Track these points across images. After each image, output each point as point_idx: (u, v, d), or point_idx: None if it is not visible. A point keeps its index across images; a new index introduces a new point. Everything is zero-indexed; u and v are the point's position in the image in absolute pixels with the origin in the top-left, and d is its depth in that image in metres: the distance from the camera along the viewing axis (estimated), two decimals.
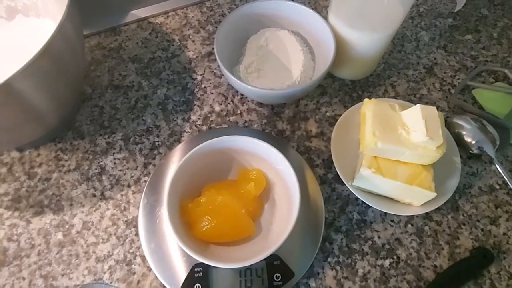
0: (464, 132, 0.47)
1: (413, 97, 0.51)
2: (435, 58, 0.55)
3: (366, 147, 0.40)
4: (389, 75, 0.53)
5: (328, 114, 0.50)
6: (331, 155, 0.45)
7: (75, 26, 0.40)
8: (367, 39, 0.45)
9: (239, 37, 0.50)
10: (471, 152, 0.46)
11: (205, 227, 0.36)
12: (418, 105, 0.39)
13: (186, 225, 0.37)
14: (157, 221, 0.41)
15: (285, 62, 0.48)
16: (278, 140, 0.47)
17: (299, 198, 0.35)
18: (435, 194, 0.39)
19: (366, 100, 0.43)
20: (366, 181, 0.41)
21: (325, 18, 0.48)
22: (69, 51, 0.39)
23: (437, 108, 0.50)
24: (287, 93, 0.43)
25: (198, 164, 0.38)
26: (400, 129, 0.39)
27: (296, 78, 0.46)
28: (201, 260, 0.32)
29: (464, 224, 0.43)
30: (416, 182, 0.39)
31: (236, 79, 0.43)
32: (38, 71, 0.34)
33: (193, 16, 0.59)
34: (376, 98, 0.50)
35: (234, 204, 0.37)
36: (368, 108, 0.41)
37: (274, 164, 0.39)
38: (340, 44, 0.46)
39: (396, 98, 0.51)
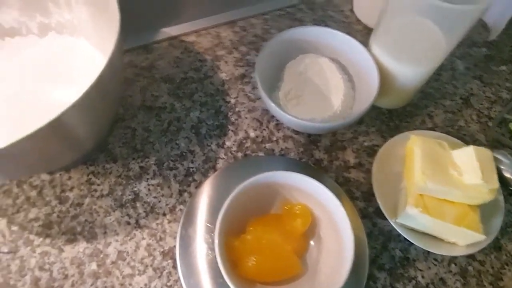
0: (503, 167, 0.47)
1: (451, 129, 0.51)
2: (471, 89, 0.55)
3: (414, 185, 0.39)
4: (426, 104, 0.53)
5: (365, 144, 0.49)
6: (370, 188, 0.44)
7: (120, 53, 0.39)
8: (410, 71, 0.45)
9: (277, 62, 0.49)
10: (511, 188, 0.46)
11: (251, 266, 0.35)
12: (471, 146, 0.38)
13: (231, 262, 0.35)
14: (197, 255, 0.39)
15: (325, 90, 0.47)
16: (316, 170, 0.46)
17: (353, 241, 0.34)
18: (484, 236, 0.38)
19: (413, 136, 0.42)
20: (411, 219, 0.40)
21: (365, 45, 0.47)
22: (113, 78, 0.38)
23: (475, 142, 0.50)
24: (329, 126, 0.43)
25: (243, 199, 0.37)
26: (451, 169, 0.38)
27: (337, 107, 0.45)
28: None
29: (507, 265, 0.42)
30: (464, 224, 0.38)
31: (278, 108, 0.42)
32: (86, 103, 0.33)
33: (225, 36, 0.58)
34: (414, 128, 0.50)
35: (280, 242, 0.36)
36: (417, 145, 0.40)
37: (322, 200, 0.38)
38: (381, 74, 0.45)
39: (434, 129, 0.50)
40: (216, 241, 0.33)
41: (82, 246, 0.41)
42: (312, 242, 0.39)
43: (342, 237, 0.35)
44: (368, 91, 0.45)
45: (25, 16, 0.45)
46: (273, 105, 0.42)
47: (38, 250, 0.41)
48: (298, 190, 0.39)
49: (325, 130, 0.45)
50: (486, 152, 0.38)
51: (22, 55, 0.46)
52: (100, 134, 0.44)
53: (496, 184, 0.36)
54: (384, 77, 0.46)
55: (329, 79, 0.48)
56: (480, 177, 0.36)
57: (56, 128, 0.30)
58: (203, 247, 0.40)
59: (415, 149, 0.40)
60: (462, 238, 0.40)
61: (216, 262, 0.33)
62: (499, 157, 0.47)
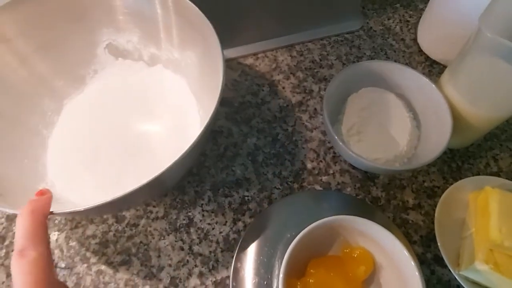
0: None
1: None
2: None
3: (488, 241, 0.37)
4: (491, 146, 0.50)
5: (425, 184, 0.47)
6: (429, 232, 0.43)
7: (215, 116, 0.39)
8: (485, 116, 0.43)
9: (340, 95, 0.48)
10: None
11: None
12: None
13: None
14: None
15: (389, 127, 0.46)
16: (373, 209, 0.45)
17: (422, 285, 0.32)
18: None
19: (488, 187, 0.40)
20: (478, 274, 0.38)
21: (430, 79, 0.45)
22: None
23: None
24: (393, 169, 0.41)
25: (305, 240, 0.36)
26: None
27: (402, 148, 0.44)
28: None
29: None
30: None
31: (343, 145, 0.41)
32: (181, 161, 0.32)
33: (283, 60, 0.58)
34: (477, 171, 0.48)
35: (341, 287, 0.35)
36: (493, 198, 0.38)
37: (385, 246, 0.36)
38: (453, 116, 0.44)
39: (499, 174, 0.48)
40: (280, 285, 0.32)
41: (136, 268, 0.42)
42: None
43: (407, 285, 0.34)
44: (437, 134, 0.43)
45: (141, 44, 0.49)
46: (339, 143, 0.41)
47: (94, 268, 0.42)
48: (360, 233, 0.38)
49: (390, 172, 0.44)
50: None
51: (129, 76, 0.50)
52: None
53: None
54: (455, 118, 0.44)
55: (394, 116, 0.46)
56: None
57: (151, 185, 0.30)
58: (256, 281, 0.40)
59: (491, 203, 0.38)
60: None
61: None
62: None
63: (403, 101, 0.47)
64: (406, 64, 0.57)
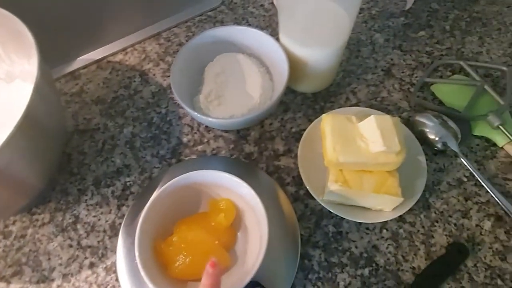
0: (427, 130, 0.48)
1: (374, 101, 0.52)
2: (391, 59, 0.56)
3: (329, 162, 0.41)
4: (349, 82, 0.54)
5: (293, 130, 0.51)
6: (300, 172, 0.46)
7: (47, 84, 0.40)
8: (319, 54, 0.46)
9: (197, 66, 0.51)
10: (436, 148, 0.47)
11: (180, 266, 0.36)
12: (372, 116, 0.40)
13: (161, 265, 0.37)
14: (136, 266, 0.41)
15: (244, 86, 0.49)
16: (247, 164, 0.48)
17: (267, 222, 0.35)
18: (402, 199, 0.39)
19: (324, 115, 0.44)
20: (336, 194, 0.41)
21: (277, 39, 0.49)
22: (47, 110, 0.39)
23: (399, 110, 0.51)
24: (247, 119, 0.44)
25: (166, 203, 0.39)
26: (359, 141, 0.40)
27: (256, 101, 0.47)
28: None
29: (437, 222, 0.44)
30: (383, 190, 0.40)
31: (196, 113, 0.44)
32: (17, 141, 0.34)
33: (151, 49, 0.60)
34: (339, 107, 0.52)
35: (206, 238, 0.38)
36: (326, 123, 0.42)
37: (240, 192, 0.39)
38: (295, 62, 0.47)
39: (358, 105, 0.52)
40: (136, 245, 0.34)
41: (28, 276, 0.43)
42: (239, 234, 0.41)
43: (261, 223, 0.37)
44: (283, 80, 0.46)
45: None
46: (191, 111, 0.44)
47: None
48: (220, 187, 0.41)
49: (245, 123, 0.46)
50: (386, 119, 0.40)
51: None
52: (50, 171, 0.45)
53: (397, 147, 0.38)
54: (298, 63, 0.47)
55: (246, 74, 0.49)
56: (382, 144, 0.37)
57: None
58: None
59: (326, 128, 0.42)
60: (386, 204, 0.41)
61: None
62: (423, 120, 0.49)
63: (253, 59, 0.50)
64: (267, 26, 0.61)
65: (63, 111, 0.53)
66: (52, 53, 0.55)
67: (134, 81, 0.56)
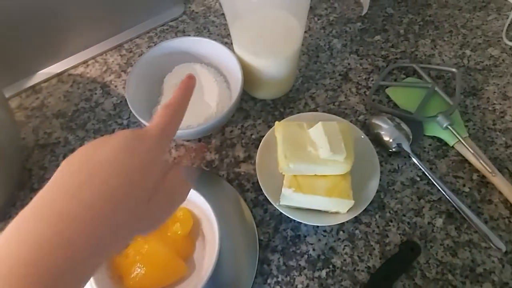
0: (382, 132, 0.50)
1: (332, 106, 0.54)
2: (348, 64, 0.58)
3: (281, 168, 0.42)
4: (308, 87, 0.56)
5: (253, 136, 0.51)
6: None
7: (2, 105, 0.40)
8: (273, 63, 0.47)
9: (155, 77, 0.51)
10: (391, 150, 0.49)
11: (136, 278, 0.37)
12: (320, 122, 0.41)
13: (117, 278, 0.37)
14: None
15: (201, 95, 0.50)
16: (208, 172, 0.49)
17: (218, 230, 0.36)
18: (353, 201, 0.41)
19: (276, 123, 0.45)
20: (291, 199, 0.42)
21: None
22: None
23: (356, 113, 0.53)
24: (203, 128, 0.45)
25: None
26: (309, 147, 0.41)
27: (213, 109, 0.48)
28: None
29: (391, 221, 0.45)
30: (335, 194, 0.41)
31: None
32: None
33: (113, 61, 0.60)
34: (297, 112, 0.53)
35: (161, 249, 0.38)
36: (278, 131, 0.43)
37: (196, 202, 0.40)
38: (251, 70, 0.48)
39: (316, 110, 0.53)
40: None
41: None
42: (197, 242, 0.41)
43: (214, 229, 0.38)
44: (238, 88, 0.47)
45: None
46: (146, 122, 0.44)
47: None
48: None
49: (202, 132, 0.47)
50: (332, 125, 0.41)
51: None
52: (10, 186, 0.45)
53: (344, 152, 0.39)
54: (254, 72, 0.48)
55: (204, 84, 0.50)
56: (329, 149, 0.39)
57: None
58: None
59: (277, 136, 0.43)
60: (340, 206, 0.42)
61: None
62: (378, 122, 0.51)
63: (211, 69, 0.51)
64: (228, 35, 0.62)
65: (20, 128, 0.53)
66: (12, 68, 0.56)
67: (95, 93, 0.57)
